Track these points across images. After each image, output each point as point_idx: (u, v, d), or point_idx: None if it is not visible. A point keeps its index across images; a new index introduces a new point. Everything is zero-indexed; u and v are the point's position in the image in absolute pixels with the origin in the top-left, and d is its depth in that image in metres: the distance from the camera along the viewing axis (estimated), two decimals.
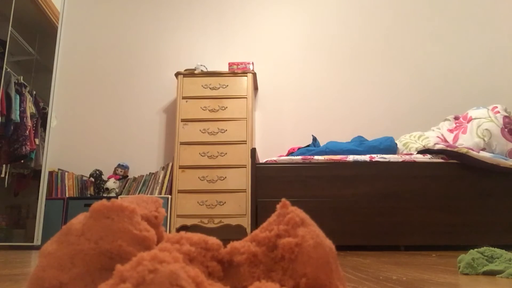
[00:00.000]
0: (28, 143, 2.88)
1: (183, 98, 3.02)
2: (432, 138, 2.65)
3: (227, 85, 3.03)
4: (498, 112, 2.41)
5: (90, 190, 3.11)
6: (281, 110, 3.42)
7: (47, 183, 2.82)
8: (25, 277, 1.02)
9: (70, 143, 3.38)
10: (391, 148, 2.63)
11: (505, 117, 2.38)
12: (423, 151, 2.41)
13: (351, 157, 2.35)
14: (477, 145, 2.35)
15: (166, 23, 3.62)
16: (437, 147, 2.35)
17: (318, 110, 3.40)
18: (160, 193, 2.97)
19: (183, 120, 2.97)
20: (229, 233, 2.78)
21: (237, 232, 2.72)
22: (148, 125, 3.43)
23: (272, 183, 2.29)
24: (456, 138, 2.54)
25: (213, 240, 0.39)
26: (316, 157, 2.37)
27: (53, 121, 2.89)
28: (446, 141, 2.62)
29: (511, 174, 2.21)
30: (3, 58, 2.74)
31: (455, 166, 2.27)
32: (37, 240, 2.63)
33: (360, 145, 2.62)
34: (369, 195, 2.25)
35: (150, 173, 3.13)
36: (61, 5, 3.02)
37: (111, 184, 3.06)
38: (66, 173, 3.07)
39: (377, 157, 2.35)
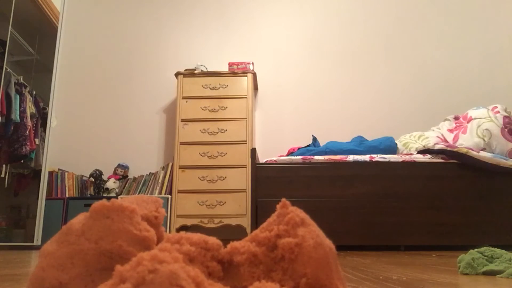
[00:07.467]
0: (28, 143, 2.88)
1: (183, 98, 3.02)
2: (432, 138, 2.65)
3: (227, 85, 3.03)
4: (498, 112, 2.41)
5: (90, 190, 3.11)
6: (281, 110, 3.41)
7: (47, 183, 2.81)
8: (25, 277, 1.02)
9: (70, 143, 3.38)
10: (391, 148, 2.63)
11: (505, 117, 2.38)
12: (423, 151, 2.41)
13: (351, 157, 2.35)
14: (477, 145, 2.35)
15: (166, 23, 3.62)
16: (437, 147, 2.34)
17: (318, 110, 3.40)
18: (160, 193, 2.97)
19: (183, 120, 2.97)
20: (229, 233, 2.78)
21: (237, 232, 2.72)
22: (148, 125, 3.43)
23: (272, 183, 2.29)
24: (456, 138, 2.54)
25: (213, 240, 0.39)
26: (316, 157, 2.37)
27: (53, 121, 2.89)
28: (446, 141, 2.62)
29: (511, 174, 2.21)
30: (3, 58, 2.74)
31: (455, 166, 2.27)
32: (37, 240, 2.63)
33: (360, 145, 2.62)
34: (369, 195, 2.25)
35: (150, 173, 3.13)
36: (61, 5, 3.02)
37: (111, 184, 3.06)
38: (66, 173, 3.07)
39: (377, 157, 2.35)
